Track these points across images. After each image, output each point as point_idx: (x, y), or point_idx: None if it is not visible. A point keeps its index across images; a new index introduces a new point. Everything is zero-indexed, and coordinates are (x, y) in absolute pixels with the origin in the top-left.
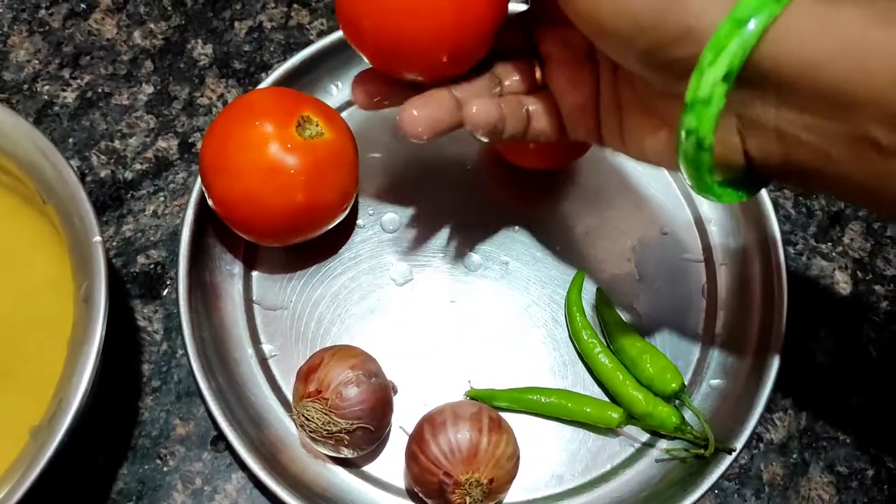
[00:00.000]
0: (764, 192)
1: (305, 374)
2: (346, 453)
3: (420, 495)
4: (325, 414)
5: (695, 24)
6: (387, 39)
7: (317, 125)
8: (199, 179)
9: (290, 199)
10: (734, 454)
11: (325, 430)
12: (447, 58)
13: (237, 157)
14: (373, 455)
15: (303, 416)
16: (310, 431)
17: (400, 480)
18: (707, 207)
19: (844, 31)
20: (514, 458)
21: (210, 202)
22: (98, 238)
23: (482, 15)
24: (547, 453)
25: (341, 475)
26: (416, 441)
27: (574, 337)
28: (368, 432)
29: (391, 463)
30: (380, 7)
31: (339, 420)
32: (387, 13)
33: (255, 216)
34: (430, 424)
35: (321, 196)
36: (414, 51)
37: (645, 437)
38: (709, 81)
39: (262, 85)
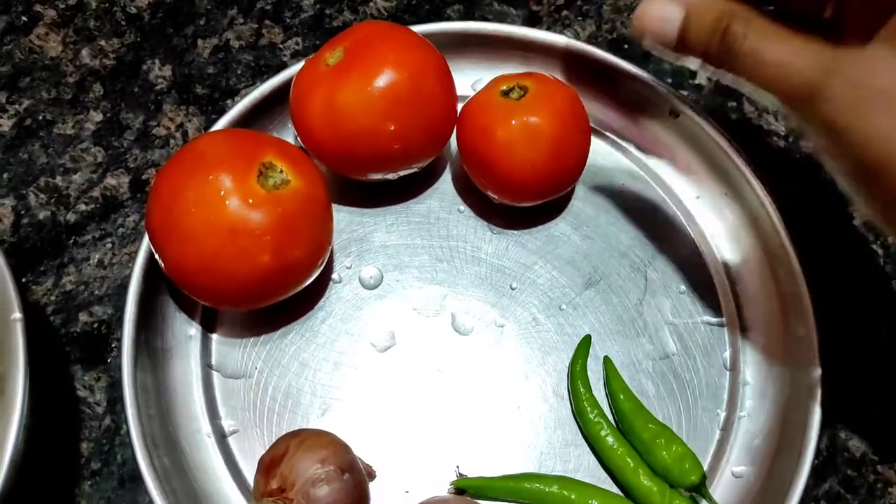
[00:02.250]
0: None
1: (267, 467)
2: None
3: None
4: None
5: None
6: None
7: (281, 171)
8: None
9: (256, 262)
10: None
11: None
12: None
13: (190, 218)
14: None
15: None
16: None
17: None
18: (730, 255)
19: None
20: None
21: (162, 266)
22: (17, 315)
23: None
24: None
25: None
26: None
27: (578, 415)
28: None
29: None
30: None
31: None
32: None
33: (215, 284)
34: None
35: (291, 255)
36: None
37: None
38: None
39: (228, 115)
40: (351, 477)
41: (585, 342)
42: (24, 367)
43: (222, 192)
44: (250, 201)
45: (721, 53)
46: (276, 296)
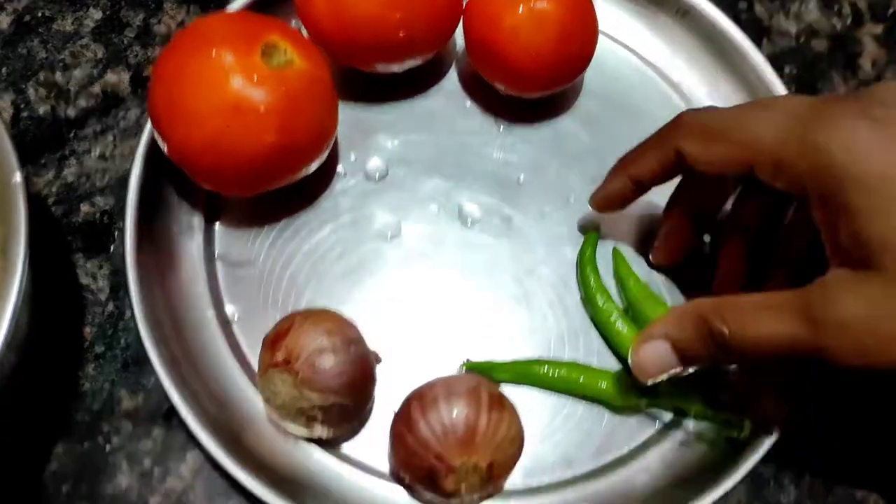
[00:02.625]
0: None
1: (273, 341)
2: (320, 433)
3: (407, 481)
4: (295, 388)
5: None
6: None
7: (285, 52)
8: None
9: (261, 141)
10: (775, 436)
11: (295, 406)
12: None
13: (194, 96)
14: (351, 432)
15: (269, 389)
16: (276, 407)
17: (383, 462)
18: None
19: None
20: (518, 441)
21: (165, 149)
22: (18, 177)
23: None
24: (554, 434)
25: (315, 456)
26: (404, 420)
27: (588, 302)
28: (346, 410)
29: (374, 443)
30: None
31: (311, 395)
32: None
33: (219, 165)
34: (419, 401)
35: (296, 136)
36: None
37: (668, 416)
38: None
39: (230, 8)
40: (357, 349)
41: (594, 232)
42: (26, 225)
43: (226, 70)
44: (255, 78)
45: (721, 352)
46: (280, 178)
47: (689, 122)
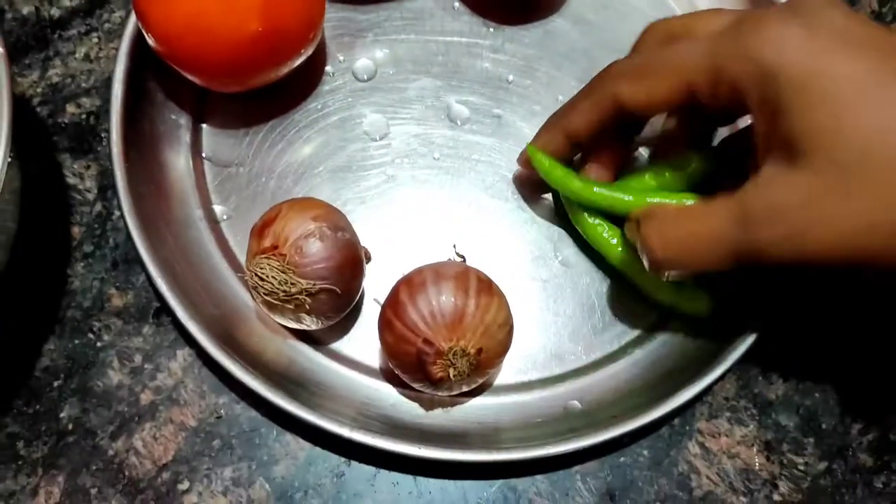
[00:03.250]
0: None
1: (260, 229)
2: (309, 323)
3: (396, 371)
4: (283, 272)
5: None
6: None
7: None
8: (133, 15)
9: (245, 24)
10: (757, 333)
11: (283, 290)
12: None
13: None
14: (341, 330)
15: (256, 275)
16: (265, 294)
17: (373, 359)
18: None
19: None
20: (507, 327)
21: (149, 38)
22: (0, 50)
23: None
24: (545, 329)
25: (305, 352)
26: (391, 305)
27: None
28: (334, 296)
29: (362, 339)
30: None
31: (298, 279)
32: None
33: (202, 49)
34: (407, 286)
35: (282, 21)
36: None
37: (656, 316)
38: None
39: None
40: (345, 235)
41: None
42: (9, 98)
43: None
44: None
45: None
46: (267, 67)
47: (621, 66)
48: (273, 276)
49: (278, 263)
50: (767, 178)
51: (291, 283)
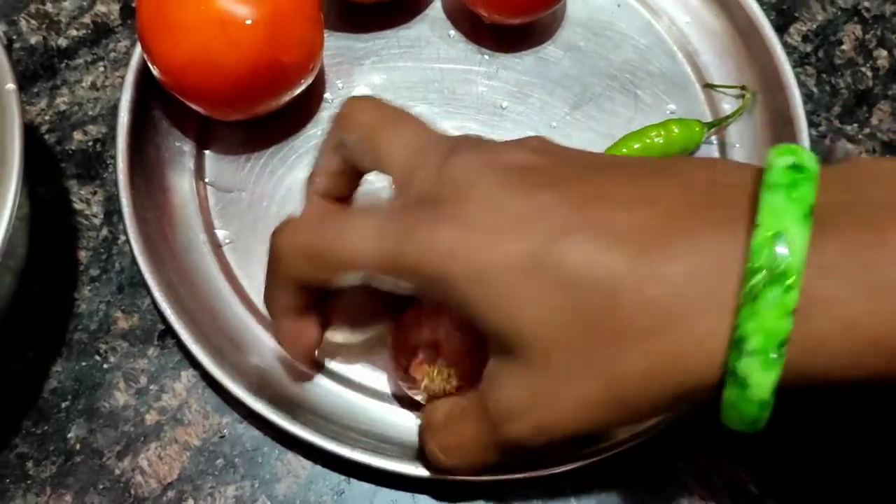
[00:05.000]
0: (785, 61)
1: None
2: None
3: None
4: (446, 381)
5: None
6: None
7: None
8: (139, 45)
9: (248, 56)
10: None
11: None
12: None
13: (180, 9)
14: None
15: (424, 384)
16: (430, 396)
17: (376, 382)
18: (719, 81)
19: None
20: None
21: (153, 69)
22: (12, 85)
23: None
24: None
25: (307, 374)
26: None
27: None
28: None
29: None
30: None
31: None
32: None
33: (206, 80)
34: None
35: (283, 53)
36: None
37: None
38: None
39: None
40: None
41: None
42: (21, 132)
43: None
44: None
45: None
46: (268, 97)
47: (288, 249)
48: (438, 383)
49: (446, 370)
50: (493, 376)
51: (450, 384)
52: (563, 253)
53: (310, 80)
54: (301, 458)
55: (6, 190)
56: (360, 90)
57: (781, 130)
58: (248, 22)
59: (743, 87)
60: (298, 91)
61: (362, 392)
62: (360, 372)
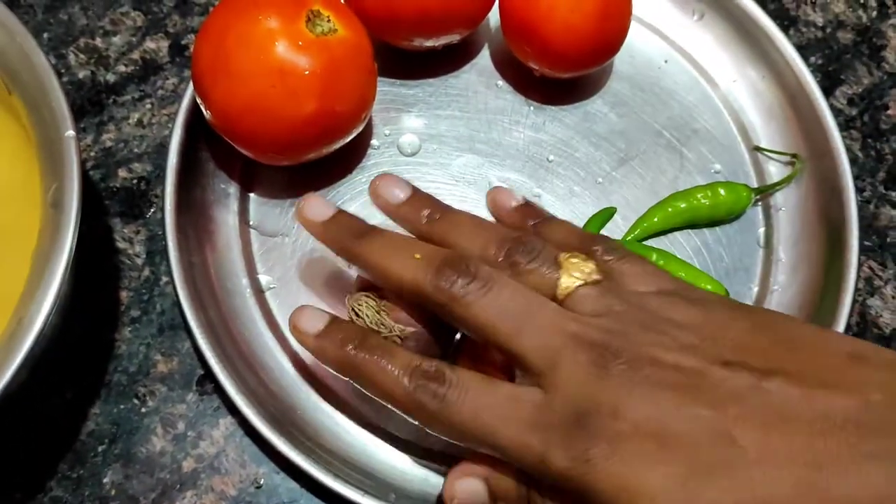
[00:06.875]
0: (833, 126)
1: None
2: None
3: None
4: (377, 313)
5: None
6: None
7: (328, 20)
8: (190, 86)
9: (303, 106)
10: None
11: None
12: None
13: (239, 57)
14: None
15: (353, 310)
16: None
17: (430, 442)
18: (765, 142)
19: None
20: None
21: (206, 113)
22: (71, 132)
23: None
24: None
25: (347, 427)
26: None
27: None
28: (424, 342)
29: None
30: None
31: (392, 323)
32: None
33: (261, 128)
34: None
35: (338, 103)
36: None
37: None
38: None
39: None
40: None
41: (606, 212)
42: (79, 180)
43: (272, 33)
44: (300, 43)
45: None
46: (319, 145)
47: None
48: (367, 314)
49: (375, 303)
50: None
51: (382, 324)
52: None
53: (360, 128)
54: None
55: (64, 237)
56: (407, 139)
57: (829, 197)
58: (307, 72)
59: (794, 156)
60: (349, 139)
61: (407, 450)
62: (405, 428)
